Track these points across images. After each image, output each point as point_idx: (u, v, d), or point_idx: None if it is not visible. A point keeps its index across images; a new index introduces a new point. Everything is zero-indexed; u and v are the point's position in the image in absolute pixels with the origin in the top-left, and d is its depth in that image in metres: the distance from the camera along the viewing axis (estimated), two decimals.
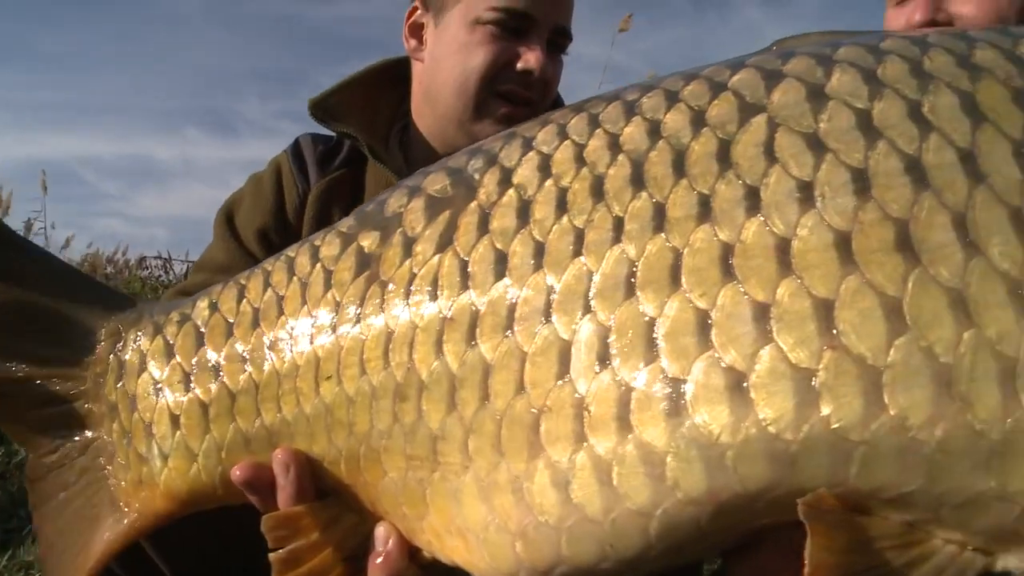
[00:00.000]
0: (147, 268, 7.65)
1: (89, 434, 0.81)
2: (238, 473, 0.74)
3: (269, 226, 1.22)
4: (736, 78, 0.68)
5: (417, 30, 1.24)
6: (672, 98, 0.69)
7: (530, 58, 1.15)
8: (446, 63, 1.18)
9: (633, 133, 0.67)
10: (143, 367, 0.80)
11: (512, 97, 1.17)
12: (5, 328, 0.80)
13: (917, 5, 1.20)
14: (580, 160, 0.68)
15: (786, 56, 0.69)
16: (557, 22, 1.19)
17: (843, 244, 0.56)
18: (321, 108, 1.20)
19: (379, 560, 0.71)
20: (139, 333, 0.81)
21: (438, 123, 1.22)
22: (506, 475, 0.63)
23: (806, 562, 0.52)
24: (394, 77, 1.29)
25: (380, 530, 0.72)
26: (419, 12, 1.24)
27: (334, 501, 0.74)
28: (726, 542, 0.61)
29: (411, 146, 1.28)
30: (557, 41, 1.21)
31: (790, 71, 0.67)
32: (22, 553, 2.49)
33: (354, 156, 1.26)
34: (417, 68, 1.26)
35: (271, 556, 0.72)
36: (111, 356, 0.81)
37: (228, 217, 1.25)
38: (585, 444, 0.60)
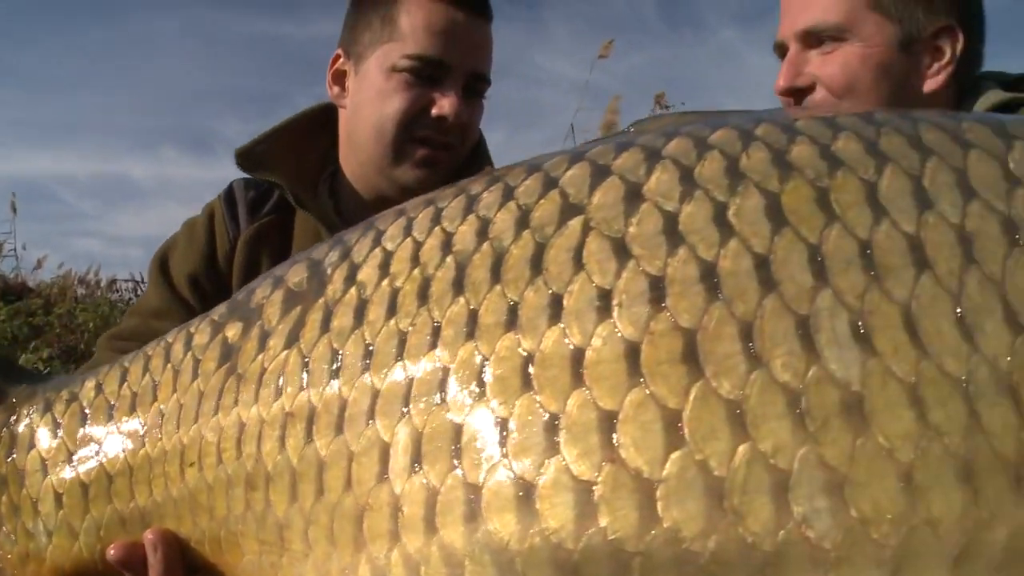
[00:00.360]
0: (117, 291, 7.66)
1: None
2: (112, 552, 0.78)
3: (200, 272, 1.28)
4: (568, 174, 0.70)
5: (340, 77, 1.28)
6: (507, 195, 0.71)
7: (444, 104, 1.19)
8: (365, 110, 1.23)
9: (465, 233, 0.70)
10: (32, 443, 0.85)
11: (429, 142, 1.21)
12: None
13: (780, 71, 1.23)
14: (415, 260, 0.71)
15: (621, 148, 0.71)
16: (473, 68, 1.23)
17: (632, 355, 0.58)
18: (247, 157, 1.26)
19: None
20: (31, 408, 0.87)
21: (361, 168, 1.26)
22: (337, 566, 0.67)
23: None
24: (323, 123, 1.34)
25: None
26: (341, 60, 1.29)
27: None
28: None
29: (340, 191, 1.33)
30: (475, 86, 1.25)
31: (617, 167, 0.69)
32: None
33: (283, 202, 1.31)
34: (341, 115, 1.30)
35: None
36: (3, 429, 0.87)
37: (162, 262, 1.31)
38: (399, 542, 0.63)
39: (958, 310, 0.56)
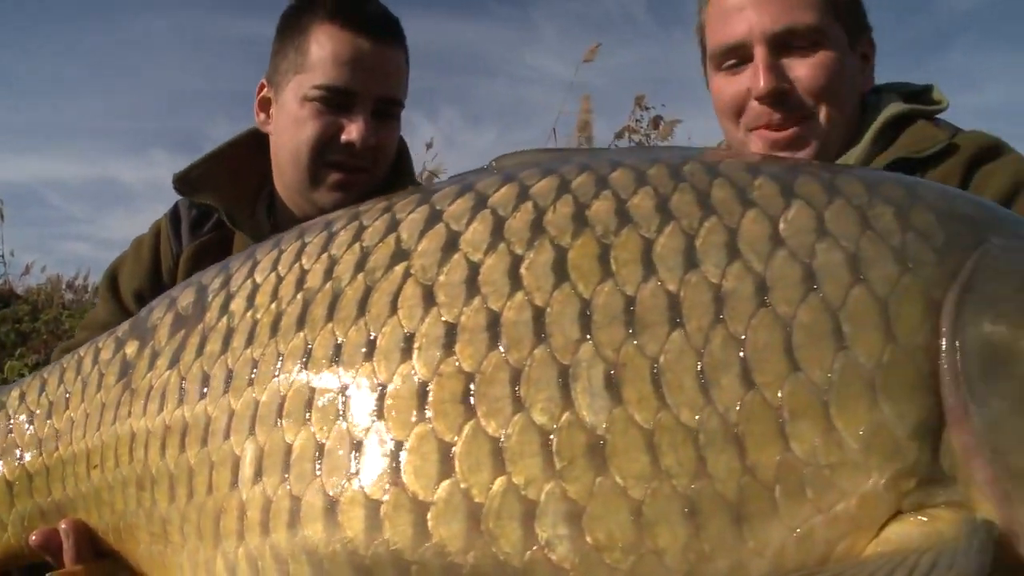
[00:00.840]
0: None
1: None
2: (34, 539, 0.97)
3: (145, 288, 1.45)
4: (409, 218, 0.83)
5: (265, 105, 1.42)
6: (357, 235, 0.84)
7: (352, 131, 1.31)
8: (284, 136, 1.36)
9: (316, 272, 0.83)
10: None
11: (342, 166, 1.33)
12: None
13: (757, 73, 1.25)
14: (274, 294, 0.85)
15: (460, 192, 0.83)
16: (382, 93, 1.34)
17: (423, 394, 0.71)
18: (184, 182, 1.41)
19: None
20: None
21: (287, 191, 1.40)
22: (203, 556, 0.83)
23: None
24: (260, 145, 1.46)
25: None
26: (266, 88, 1.42)
27: (110, 562, 0.96)
28: None
29: (277, 210, 1.48)
30: (386, 110, 1.36)
31: (447, 215, 0.81)
32: None
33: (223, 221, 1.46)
34: (271, 140, 1.45)
35: None
36: None
37: (112, 279, 1.49)
38: (243, 540, 0.78)
39: (700, 365, 0.67)
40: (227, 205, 1.40)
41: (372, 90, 1.32)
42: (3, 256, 8.37)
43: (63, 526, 0.95)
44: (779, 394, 0.65)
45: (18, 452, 1.00)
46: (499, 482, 0.67)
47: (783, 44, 1.27)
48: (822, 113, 1.28)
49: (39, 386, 1.02)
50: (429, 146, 6.36)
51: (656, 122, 5.54)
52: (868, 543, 0.66)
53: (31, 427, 1.00)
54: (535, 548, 0.66)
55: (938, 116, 1.29)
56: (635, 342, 0.68)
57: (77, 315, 6.51)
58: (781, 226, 0.72)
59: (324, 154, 1.32)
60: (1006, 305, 0.68)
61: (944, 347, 0.67)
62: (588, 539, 0.65)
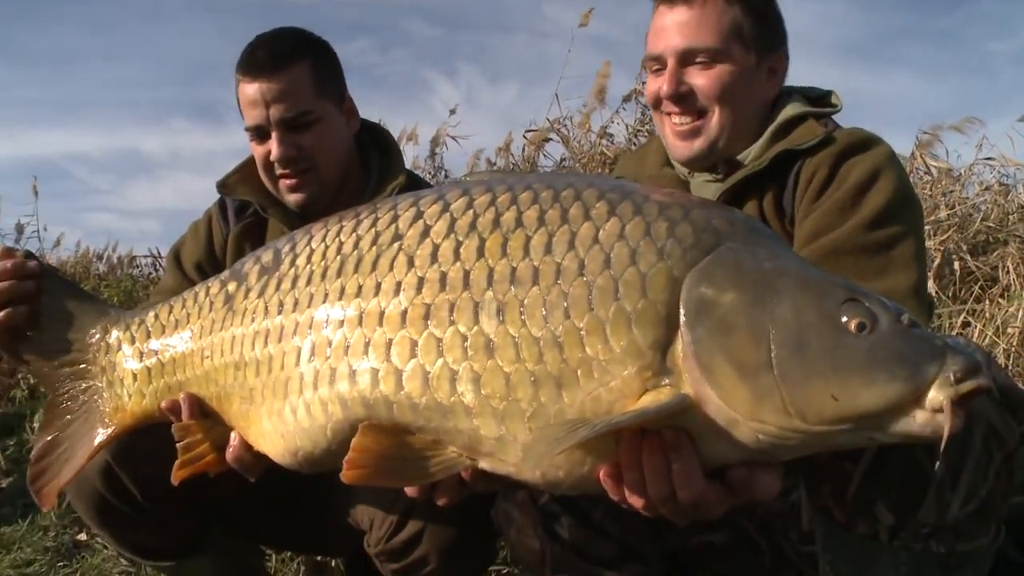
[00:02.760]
0: (138, 266, 10.29)
1: (88, 383, 2.14)
2: (163, 405, 2.02)
3: (203, 260, 2.60)
4: (404, 214, 1.86)
5: None
6: (373, 223, 1.88)
7: (271, 153, 2.52)
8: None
9: (348, 243, 1.87)
10: (119, 347, 2.11)
11: (284, 176, 2.54)
12: (56, 325, 2.15)
13: (665, 79, 2.29)
14: (323, 255, 1.88)
15: (436, 199, 1.86)
16: (281, 116, 2.47)
17: (403, 314, 1.76)
18: (224, 185, 2.61)
19: (230, 450, 2.00)
20: (117, 329, 2.13)
21: None
22: (276, 407, 1.87)
23: (353, 446, 1.73)
24: None
25: (232, 435, 2.00)
26: None
27: (211, 420, 2.02)
28: None
29: None
30: (297, 122, 2.49)
31: (427, 214, 1.84)
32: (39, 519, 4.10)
33: None
34: None
35: (178, 445, 2.03)
36: (102, 341, 2.14)
37: (175, 255, 2.65)
38: (302, 394, 1.81)
39: (544, 306, 1.68)
40: (259, 199, 2.53)
41: (272, 117, 2.47)
42: (38, 231, 10.42)
43: (182, 396, 2.02)
44: (583, 322, 1.67)
45: (157, 349, 2.08)
46: (439, 361, 1.71)
47: (688, 59, 2.31)
48: (715, 113, 2.31)
49: (168, 309, 2.09)
50: (453, 112, 9.22)
51: None
52: (632, 406, 1.68)
53: (164, 335, 2.07)
54: (455, 396, 1.70)
55: (832, 116, 2.30)
56: (513, 291, 1.70)
57: (113, 285, 8.13)
58: (601, 232, 1.72)
59: (270, 173, 2.50)
60: (716, 281, 1.67)
61: (679, 301, 1.67)
62: (483, 392, 1.68)
